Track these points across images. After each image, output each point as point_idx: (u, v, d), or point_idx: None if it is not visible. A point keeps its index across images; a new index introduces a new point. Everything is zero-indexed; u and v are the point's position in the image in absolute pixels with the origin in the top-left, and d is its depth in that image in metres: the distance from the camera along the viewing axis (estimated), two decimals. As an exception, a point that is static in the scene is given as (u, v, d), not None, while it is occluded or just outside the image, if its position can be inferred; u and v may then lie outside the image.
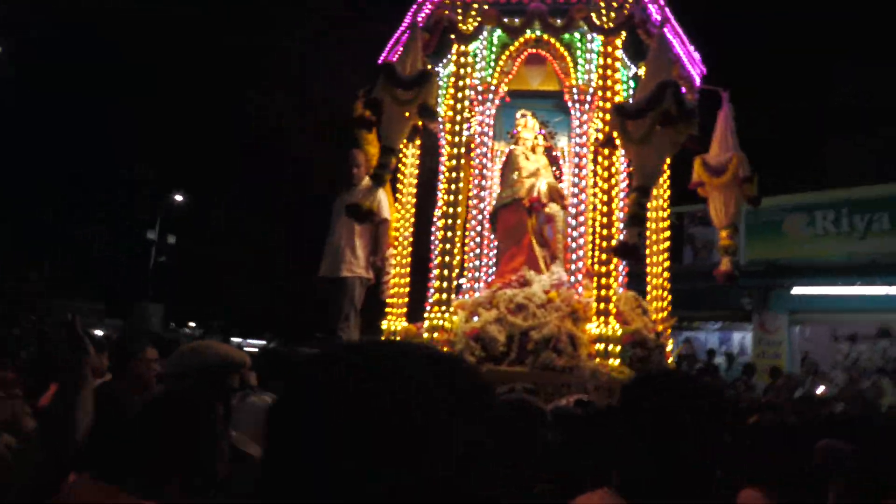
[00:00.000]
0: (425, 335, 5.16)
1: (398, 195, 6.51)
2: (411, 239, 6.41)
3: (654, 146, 4.73)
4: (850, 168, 14.66)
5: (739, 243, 5.85)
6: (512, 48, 5.75)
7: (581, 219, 5.49)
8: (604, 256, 5.07)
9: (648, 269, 6.00)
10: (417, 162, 6.55)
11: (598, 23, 5.20)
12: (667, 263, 5.96)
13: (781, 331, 14.65)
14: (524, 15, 5.31)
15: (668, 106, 4.59)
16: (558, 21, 5.25)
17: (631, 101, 5.10)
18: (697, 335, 19.70)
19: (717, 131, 5.83)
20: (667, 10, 5.20)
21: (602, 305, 4.97)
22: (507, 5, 5.38)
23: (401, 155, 6.58)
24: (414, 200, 6.45)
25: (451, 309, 5.14)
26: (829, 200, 13.37)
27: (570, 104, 5.74)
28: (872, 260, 12.33)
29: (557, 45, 5.71)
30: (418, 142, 6.52)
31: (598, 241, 5.16)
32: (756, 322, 14.86)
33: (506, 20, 5.34)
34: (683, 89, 4.89)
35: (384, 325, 6.29)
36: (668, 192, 6.18)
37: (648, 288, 5.90)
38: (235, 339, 18.69)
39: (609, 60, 5.32)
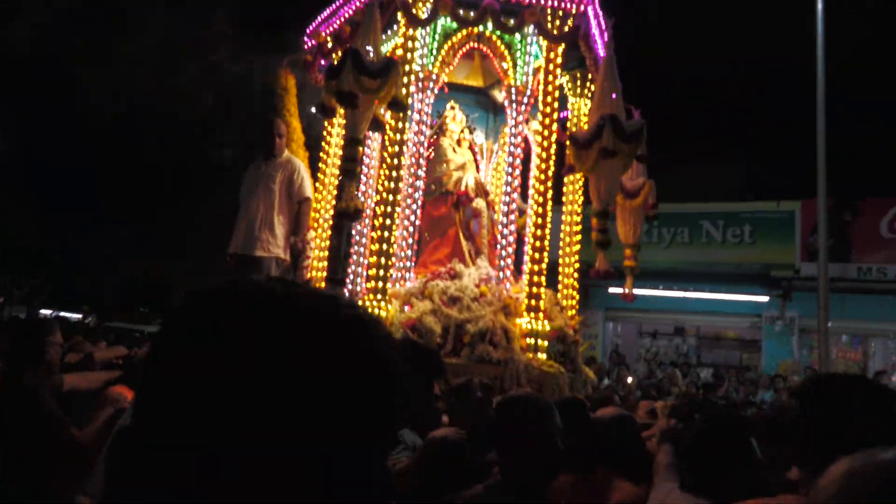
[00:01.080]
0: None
1: (319, 175, 6.29)
2: (331, 222, 6.22)
3: (606, 171, 4.97)
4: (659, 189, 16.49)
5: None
6: (454, 39, 5.76)
7: (511, 217, 5.63)
8: (536, 255, 5.24)
9: (560, 269, 6.26)
10: (342, 143, 6.35)
11: (546, 28, 5.34)
12: (577, 264, 6.24)
13: (598, 326, 16.08)
14: (477, 9, 5.33)
15: (606, 143, 4.87)
16: (511, 21, 5.33)
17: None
18: None
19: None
20: (607, 30, 5.42)
21: (533, 302, 5.15)
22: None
23: (325, 134, 6.40)
24: (336, 182, 6.25)
25: (387, 298, 5.06)
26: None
27: (506, 103, 5.87)
28: (672, 267, 14.50)
29: (499, 43, 5.80)
30: (339, 121, 6.32)
31: (531, 241, 5.30)
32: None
33: (460, 11, 5.32)
34: (632, 112, 5.09)
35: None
36: (581, 192, 6.41)
37: (560, 287, 6.17)
38: (45, 311, 17.01)
39: (551, 66, 5.49)
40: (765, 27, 18.20)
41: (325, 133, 6.34)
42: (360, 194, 5.31)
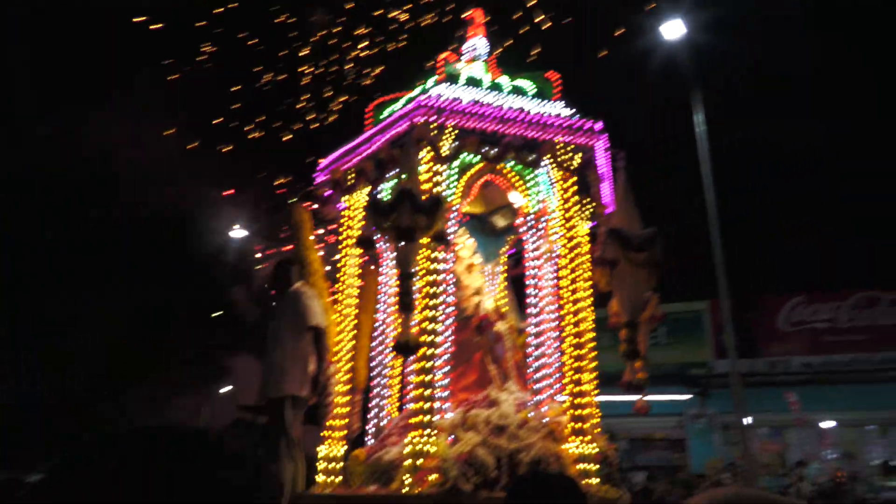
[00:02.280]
0: (407, 462, 4.89)
1: (337, 306, 6.24)
2: (353, 353, 6.12)
3: (629, 283, 5.21)
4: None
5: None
6: (472, 172, 6.02)
7: (542, 338, 5.73)
8: (576, 376, 5.31)
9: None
10: (359, 272, 6.38)
11: (560, 161, 5.69)
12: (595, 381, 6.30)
13: None
14: (499, 145, 5.64)
15: (608, 254, 5.18)
16: (530, 156, 5.66)
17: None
18: None
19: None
20: (620, 161, 5.82)
21: (578, 425, 5.16)
22: (484, 134, 5.65)
23: (340, 267, 6.41)
24: (356, 311, 6.21)
25: (434, 431, 4.95)
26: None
27: (523, 229, 6.12)
28: (600, 371, 14.75)
29: (511, 173, 6.11)
30: (359, 251, 6.38)
31: (569, 361, 5.38)
32: None
33: (484, 148, 5.61)
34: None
35: (321, 450, 5.84)
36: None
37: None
38: None
39: (567, 195, 5.79)
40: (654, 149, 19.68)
41: (340, 267, 6.34)
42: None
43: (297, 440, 5.44)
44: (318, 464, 5.92)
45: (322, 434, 5.87)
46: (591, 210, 6.03)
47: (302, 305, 5.56)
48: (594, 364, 5.42)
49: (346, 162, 6.30)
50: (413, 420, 5.02)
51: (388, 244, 5.22)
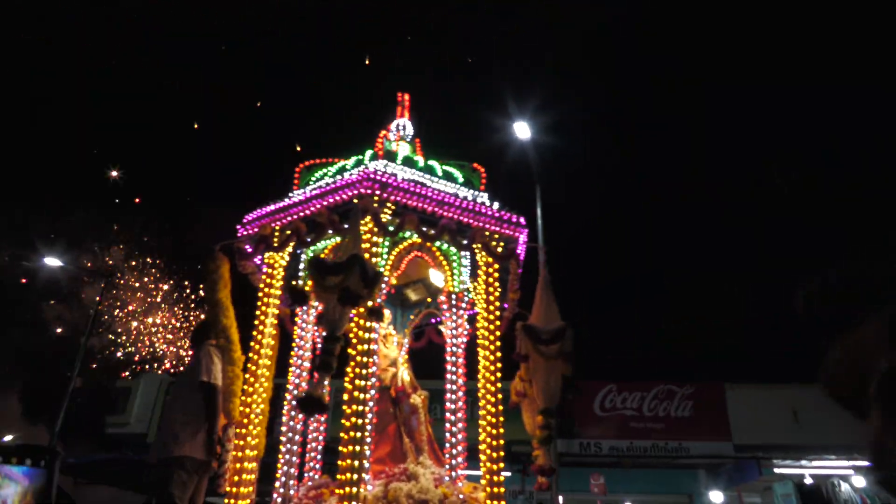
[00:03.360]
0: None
1: (249, 365, 6.03)
2: (261, 419, 5.90)
3: (545, 373, 5.65)
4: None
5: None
6: (401, 247, 6.26)
7: (459, 415, 5.95)
8: (493, 454, 5.57)
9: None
10: (274, 332, 6.24)
11: (491, 247, 6.12)
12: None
13: None
14: (435, 226, 5.96)
15: (519, 349, 5.68)
16: (464, 240, 6.03)
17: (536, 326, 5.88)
18: None
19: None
20: (543, 254, 6.37)
21: (495, 502, 5.40)
22: (424, 214, 5.95)
23: (257, 324, 6.25)
24: (268, 374, 6.04)
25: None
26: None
27: (445, 307, 6.40)
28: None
29: (438, 253, 6.43)
30: (272, 312, 6.27)
31: (488, 440, 5.63)
32: None
33: (423, 228, 5.88)
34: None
35: (220, 519, 5.52)
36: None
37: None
38: None
39: (491, 279, 6.20)
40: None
41: (257, 325, 6.18)
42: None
43: None
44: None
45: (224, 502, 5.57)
46: (507, 297, 6.48)
47: (198, 361, 5.42)
48: (503, 442, 5.71)
49: (276, 219, 6.26)
50: (339, 490, 4.96)
51: (316, 303, 5.23)
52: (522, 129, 14.09)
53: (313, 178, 6.82)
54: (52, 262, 21.02)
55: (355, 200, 5.91)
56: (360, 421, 5.13)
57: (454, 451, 5.99)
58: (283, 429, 6.06)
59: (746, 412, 19.25)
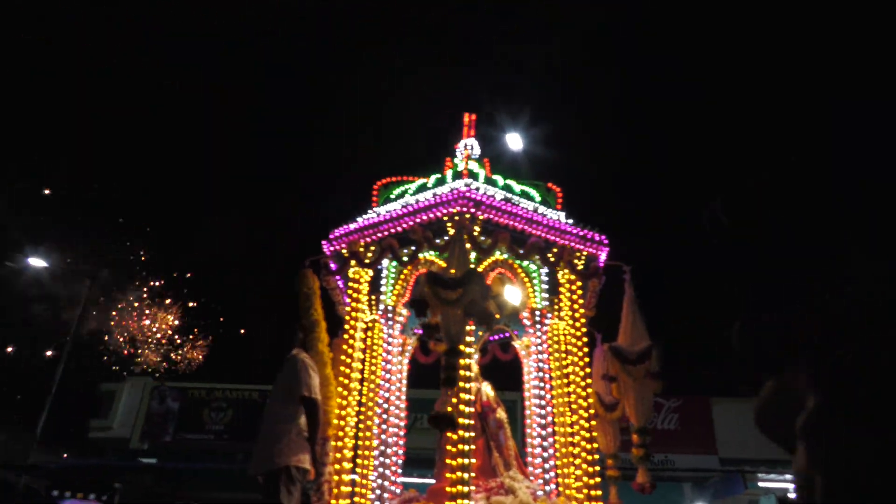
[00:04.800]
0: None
1: (341, 378, 6.11)
2: (355, 431, 5.99)
3: (637, 392, 5.83)
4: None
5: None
6: (486, 263, 6.40)
7: (549, 430, 6.11)
8: (590, 469, 5.73)
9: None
10: (363, 346, 6.33)
11: (574, 265, 6.31)
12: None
13: None
14: (525, 244, 6.13)
15: (607, 369, 5.87)
16: (552, 258, 6.21)
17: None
18: None
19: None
20: (627, 274, 6.52)
21: (592, 512, 5.57)
22: (514, 232, 6.13)
23: (347, 338, 6.33)
24: (358, 387, 6.13)
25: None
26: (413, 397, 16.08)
27: (528, 323, 6.56)
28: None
29: (519, 270, 6.59)
30: (360, 326, 6.36)
31: (583, 454, 5.78)
32: None
33: (515, 247, 6.06)
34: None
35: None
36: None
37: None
38: None
39: (575, 297, 6.38)
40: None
41: (346, 338, 6.26)
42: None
43: None
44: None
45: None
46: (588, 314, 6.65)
47: (295, 374, 5.45)
48: (598, 457, 5.87)
49: (364, 236, 6.36)
50: (448, 502, 5.06)
51: (431, 317, 5.33)
52: (515, 141, 14.20)
53: (392, 196, 6.93)
54: (37, 262, 20.61)
55: (445, 218, 6.05)
56: (466, 434, 5.25)
57: (545, 466, 6.13)
58: (376, 442, 6.15)
59: (732, 426, 19.40)
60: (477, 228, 6.02)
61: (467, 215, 5.91)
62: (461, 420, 5.23)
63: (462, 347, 5.08)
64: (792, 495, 15.83)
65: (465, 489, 5.03)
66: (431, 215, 6.04)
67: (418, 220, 6.09)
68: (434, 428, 5.13)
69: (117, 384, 25.11)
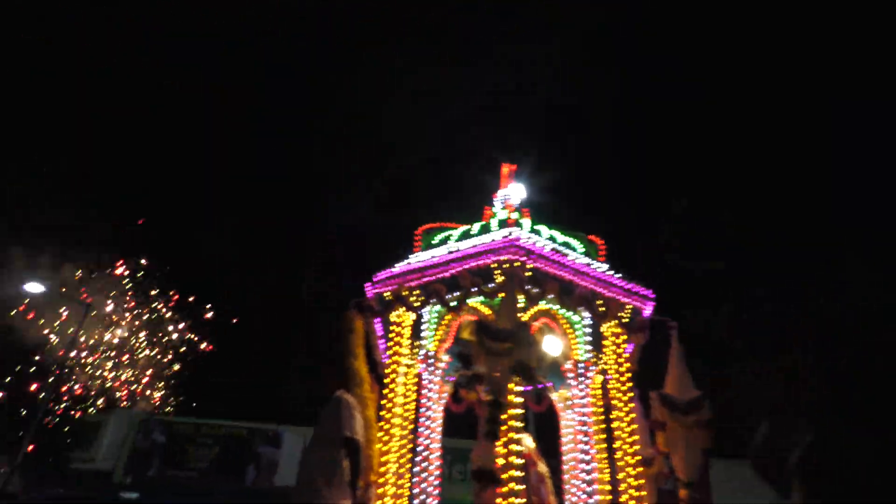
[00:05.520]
0: None
1: (382, 424, 6.00)
2: (404, 471, 5.85)
3: (683, 444, 5.76)
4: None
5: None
6: (531, 313, 6.37)
7: (595, 486, 6.01)
8: (636, 525, 5.63)
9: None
10: (405, 390, 6.24)
11: (622, 319, 6.30)
12: None
13: None
14: (573, 295, 6.12)
15: (657, 416, 5.81)
16: (601, 308, 6.19)
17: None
18: None
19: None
20: (673, 331, 6.48)
21: (641, 576, 5.44)
22: (562, 282, 6.12)
23: (390, 383, 6.24)
24: (399, 432, 6.01)
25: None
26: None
27: (571, 375, 6.50)
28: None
29: (563, 320, 6.56)
30: (403, 370, 6.28)
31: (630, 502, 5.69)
32: None
33: (564, 298, 6.06)
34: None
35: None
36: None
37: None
38: None
39: (619, 350, 6.35)
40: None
41: (389, 384, 6.17)
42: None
43: None
44: None
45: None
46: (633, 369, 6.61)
47: (338, 414, 5.36)
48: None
49: (408, 279, 6.32)
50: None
51: (474, 366, 5.27)
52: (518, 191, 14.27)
53: (434, 241, 6.93)
54: (34, 287, 20.25)
55: (493, 265, 6.04)
56: (517, 487, 5.15)
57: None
58: (416, 490, 6.02)
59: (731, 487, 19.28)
60: (526, 277, 6.00)
61: (517, 264, 5.90)
62: (511, 472, 5.14)
63: (508, 399, 5.03)
64: None
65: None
66: (481, 262, 6.03)
67: (466, 267, 6.07)
68: (476, 482, 5.02)
69: (103, 415, 24.61)
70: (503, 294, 5.59)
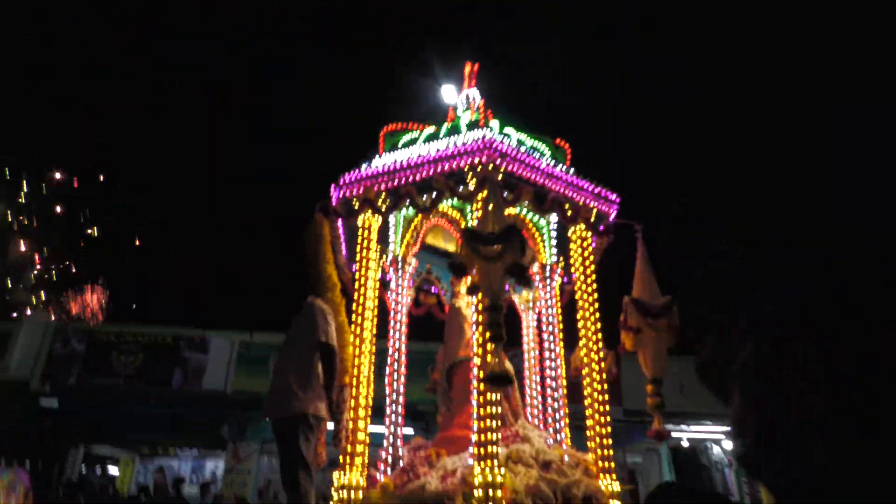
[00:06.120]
0: (477, 493, 4.94)
1: (354, 327, 5.94)
2: (370, 378, 5.86)
3: (651, 345, 6.03)
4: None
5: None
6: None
7: (559, 381, 6.22)
8: (601, 419, 5.90)
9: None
10: (374, 295, 6.15)
11: (591, 223, 6.36)
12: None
13: (253, 460, 16.25)
14: (546, 199, 6.10)
15: (632, 322, 6.05)
16: (569, 214, 6.23)
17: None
18: (171, 462, 20.11)
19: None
20: (638, 234, 6.61)
21: (605, 464, 5.75)
22: (535, 186, 6.07)
23: (358, 286, 6.15)
24: (370, 336, 5.98)
25: (502, 463, 5.07)
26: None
27: (538, 278, 6.58)
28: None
29: (531, 224, 6.57)
30: (372, 274, 6.17)
31: (594, 405, 5.95)
32: (230, 451, 16.05)
33: (537, 202, 6.04)
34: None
35: (337, 478, 5.50)
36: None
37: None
38: None
39: (586, 254, 6.44)
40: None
41: (359, 288, 6.07)
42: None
43: (315, 464, 5.16)
44: (332, 491, 5.57)
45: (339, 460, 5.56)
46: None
47: (313, 320, 5.34)
48: (607, 408, 6.06)
49: (378, 182, 6.12)
50: (477, 451, 5.08)
51: (465, 272, 5.24)
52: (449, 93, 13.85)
53: (400, 143, 6.70)
54: None
55: (466, 168, 5.90)
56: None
57: (556, 416, 6.27)
58: (389, 390, 6.10)
59: (638, 380, 20.60)
60: (499, 181, 5.91)
61: (490, 166, 5.79)
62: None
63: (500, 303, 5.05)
64: (685, 444, 17.00)
65: (494, 436, 5.06)
66: (454, 164, 5.87)
67: (439, 169, 5.91)
68: (492, 386, 5.08)
69: (13, 324, 23.58)
70: (481, 197, 5.50)
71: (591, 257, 6.43)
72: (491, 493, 4.85)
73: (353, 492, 5.43)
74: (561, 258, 6.73)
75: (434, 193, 5.92)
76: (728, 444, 15.52)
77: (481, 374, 5.05)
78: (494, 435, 5.06)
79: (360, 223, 6.29)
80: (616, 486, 5.70)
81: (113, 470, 21.08)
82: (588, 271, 6.36)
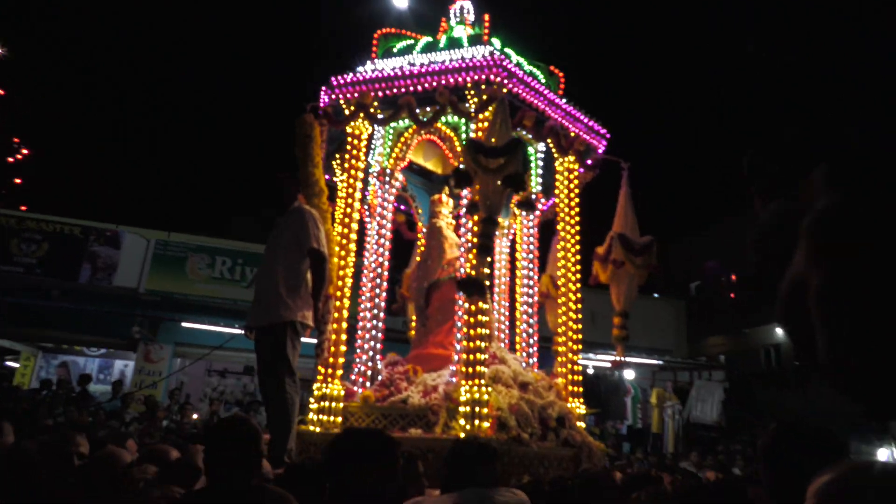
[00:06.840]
0: (462, 409, 5.04)
1: (339, 238, 5.75)
2: (347, 290, 5.72)
3: (624, 279, 6.20)
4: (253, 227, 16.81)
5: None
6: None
7: (533, 308, 6.32)
8: (573, 346, 6.09)
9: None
10: (359, 206, 5.95)
11: (562, 145, 6.32)
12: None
13: (164, 362, 16.16)
14: (545, 127, 6.03)
15: (616, 255, 6.22)
16: (562, 142, 6.19)
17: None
18: (76, 359, 19.66)
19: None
20: (624, 171, 6.66)
21: (574, 388, 5.98)
22: (535, 111, 5.96)
23: (346, 196, 5.94)
24: (354, 248, 5.82)
25: (487, 382, 5.17)
26: (230, 248, 15.54)
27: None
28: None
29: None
30: (358, 185, 5.96)
31: (568, 333, 6.11)
32: (141, 351, 15.79)
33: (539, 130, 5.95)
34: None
35: (317, 388, 5.44)
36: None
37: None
38: None
39: (572, 185, 6.47)
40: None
41: (346, 198, 5.86)
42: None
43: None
44: (309, 402, 5.52)
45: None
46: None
47: (304, 225, 5.10)
48: (580, 336, 6.26)
49: (375, 88, 5.83)
50: (464, 370, 5.15)
51: (469, 183, 5.17)
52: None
53: (395, 49, 6.38)
54: None
55: (469, 84, 5.72)
56: (484, 306, 5.31)
57: (530, 342, 6.41)
58: (367, 305, 6.01)
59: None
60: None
61: (494, 86, 5.62)
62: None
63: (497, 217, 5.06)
64: (591, 371, 17.95)
65: (482, 356, 5.14)
66: (460, 79, 5.66)
67: (444, 82, 5.69)
68: (464, 292, 5.11)
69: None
70: (485, 116, 5.37)
71: (577, 189, 6.47)
72: (477, 409, 4.97)
73: (332, 402, 5.40)
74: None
75: (436, 107, 5.70)
76: (629, 373, 16.20)
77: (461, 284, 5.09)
78: (483, 355, 5.14)
79: (348, 130, 6.02)
80: (583, 409, 5.97)
81: (13, 364, 20.05)
82: (573, 203, 6.42)
